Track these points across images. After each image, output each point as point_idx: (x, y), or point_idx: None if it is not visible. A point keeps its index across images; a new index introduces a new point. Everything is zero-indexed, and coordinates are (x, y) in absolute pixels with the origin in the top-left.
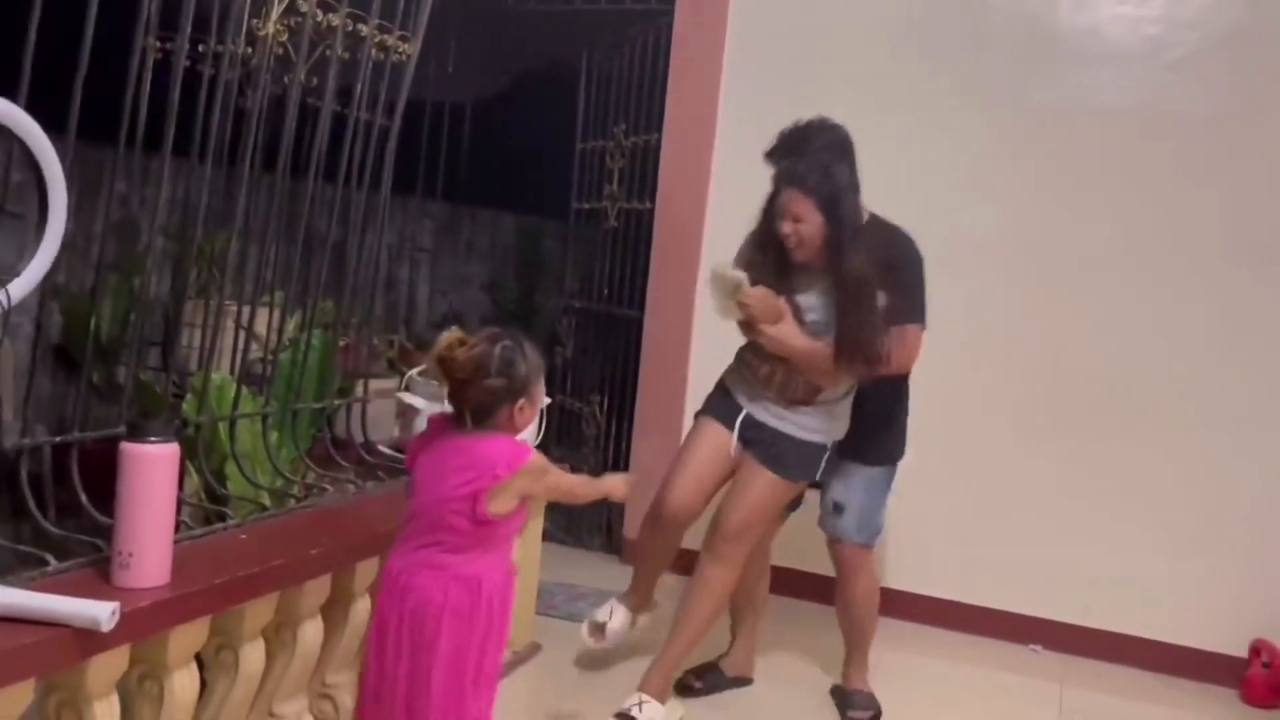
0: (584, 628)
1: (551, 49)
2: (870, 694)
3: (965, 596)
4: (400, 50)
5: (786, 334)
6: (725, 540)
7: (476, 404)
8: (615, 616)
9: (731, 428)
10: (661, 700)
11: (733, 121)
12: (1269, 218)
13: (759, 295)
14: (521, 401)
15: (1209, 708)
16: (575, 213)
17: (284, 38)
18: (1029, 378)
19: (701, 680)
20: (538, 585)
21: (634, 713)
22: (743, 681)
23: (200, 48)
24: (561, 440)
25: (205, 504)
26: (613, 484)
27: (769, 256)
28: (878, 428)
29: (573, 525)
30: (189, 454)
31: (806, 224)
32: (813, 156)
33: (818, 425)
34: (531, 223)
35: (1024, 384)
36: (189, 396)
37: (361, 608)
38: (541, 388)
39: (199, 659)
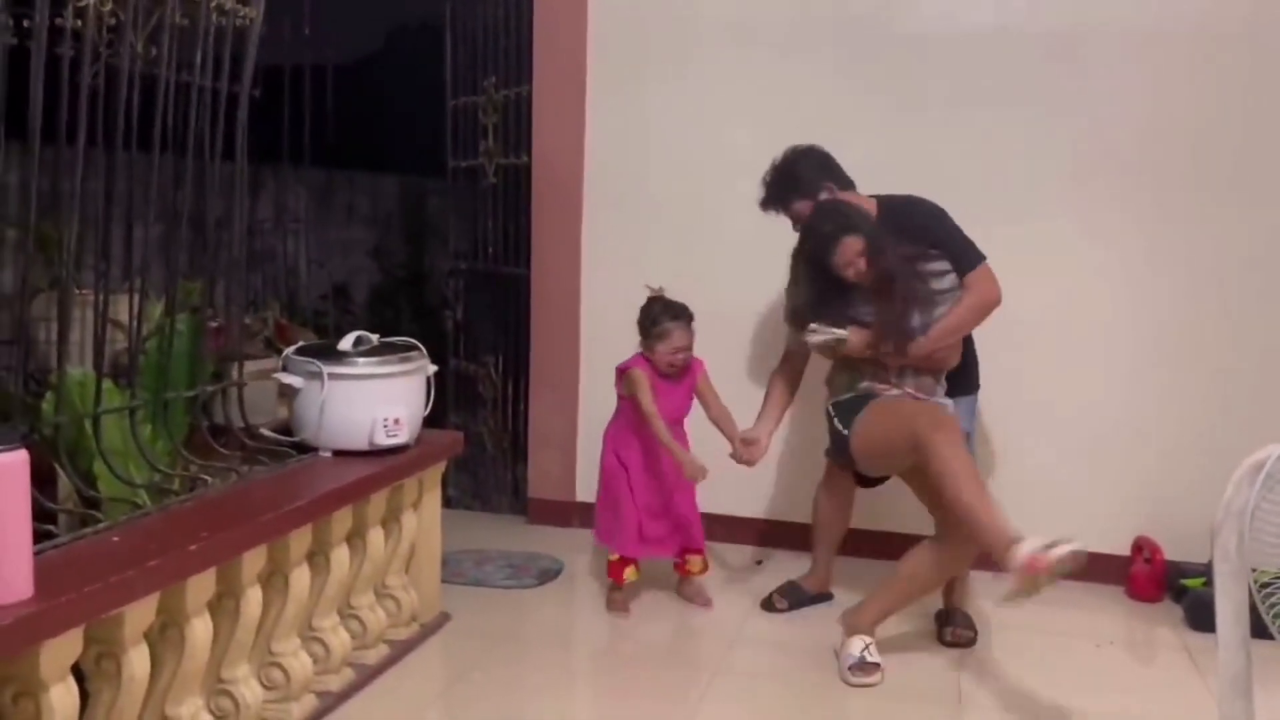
0: None
1: (411, 3)
2: (969, 615)
3: (871, 524)
4: (243, 14)
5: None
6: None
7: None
8: None
9: None
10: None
11: (604, 65)
12: (1117, 137)
13: (857, 342)
14: (644, 339)
15: (1099, 604)
16: (453, 171)
17: (107, 6)
18: None
19: (786, 599)
20: (443, 555)
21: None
22: (823, 597)
23: (26, 23)
24: (460, 405)
25: (79, 509)
26: (685, 460)
27: (829, 294)
28: None
29: (480, 488)
30: (55, 457)
31: (861, 261)
32: (823, 214)
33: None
34: (414, 183)
35: None
36: (48, 396)
37: (254, 598)
38: (667, 338)
39: (79, 670)
